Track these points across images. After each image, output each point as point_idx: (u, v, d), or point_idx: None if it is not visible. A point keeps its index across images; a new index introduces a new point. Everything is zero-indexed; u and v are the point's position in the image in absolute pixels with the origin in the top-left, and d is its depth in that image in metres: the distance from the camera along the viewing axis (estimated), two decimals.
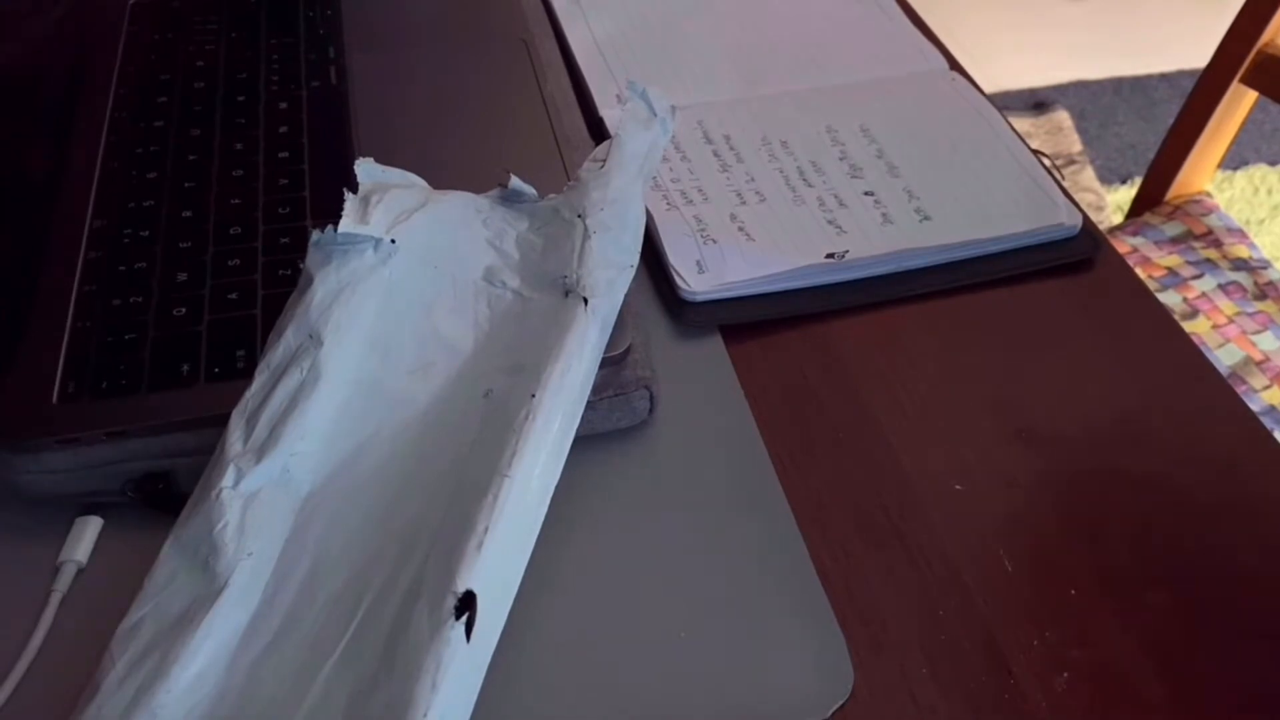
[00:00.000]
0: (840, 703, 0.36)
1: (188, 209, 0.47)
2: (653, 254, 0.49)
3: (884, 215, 0.51)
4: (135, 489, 0.39)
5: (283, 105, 0.53)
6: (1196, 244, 1.00)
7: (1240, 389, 0.87)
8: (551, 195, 0.43)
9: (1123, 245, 1.01)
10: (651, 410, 0.43)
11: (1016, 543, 0.40)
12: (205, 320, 0.42)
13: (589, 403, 0.38)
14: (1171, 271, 0.97)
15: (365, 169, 0.41)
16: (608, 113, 0.57)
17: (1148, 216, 1.06)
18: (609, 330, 0.39)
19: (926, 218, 0.51)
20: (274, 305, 0.41)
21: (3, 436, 0.38)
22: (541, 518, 0.35)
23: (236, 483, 0.34)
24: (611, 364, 0.41)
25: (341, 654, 0.32)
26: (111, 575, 0.37)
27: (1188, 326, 0.91)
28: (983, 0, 2.05)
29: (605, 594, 0.38)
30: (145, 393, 0.40)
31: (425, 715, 0.29)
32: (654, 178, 0.50)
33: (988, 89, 0.60)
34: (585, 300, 0.38)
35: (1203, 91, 1.01)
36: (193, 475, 0.36)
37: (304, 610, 0.33)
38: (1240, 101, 1.00)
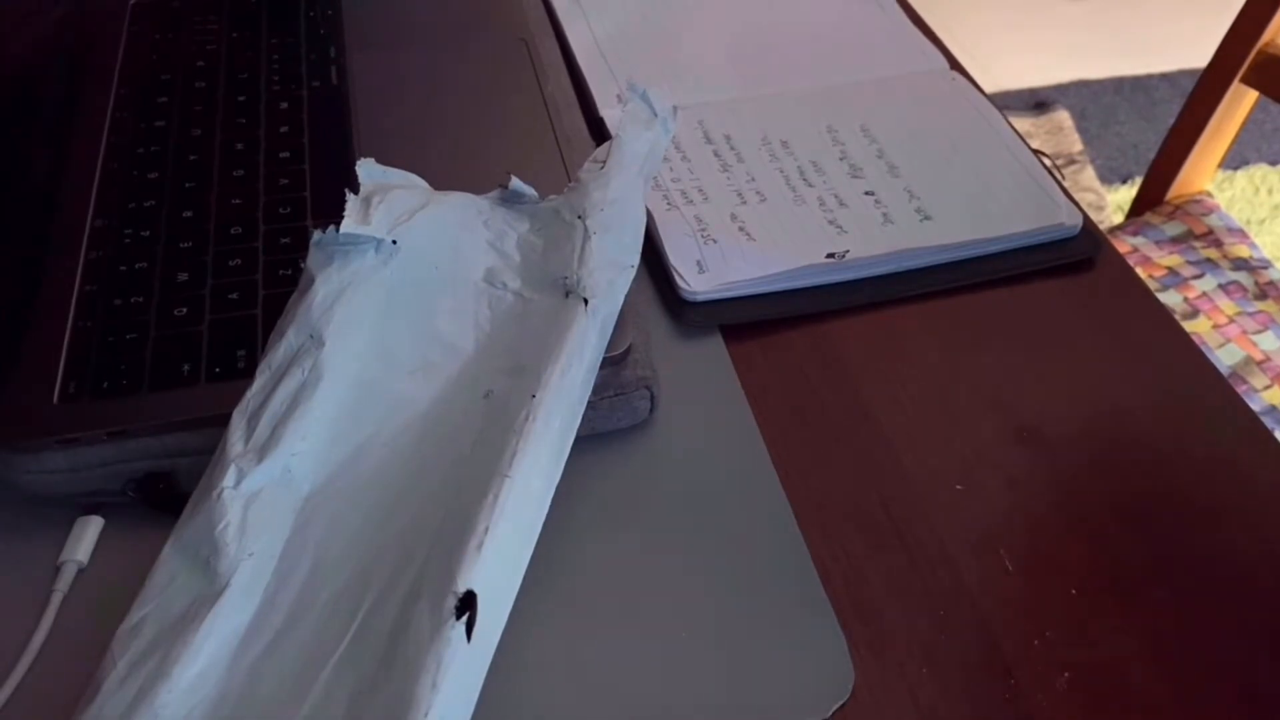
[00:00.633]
0: (840, 702, 0.36)
1: (188, 209, 0.47)
2: (653, 254, 0.49)
3: (884, 215, 0.51)
4: (136, 489, 0.39)
5: (283, 105, 0.53)
6: (1197, 244, 1.00)
7: (1241, 389, 0.87)
8: (552, 196, 0.43)
9: (1123, 245, 1.01)
10: (652, 410, 0.43)
11: (1017, 542, 0.40)
12: (206, 320, 0.42)
13: (590, 402, 0.38)
14: (1172, 271, 0.97)
15: (366, 169, 0.41)
16: (608, 112, 0.57)
17: (1148, 216, 1.06)
18: (609, 330, 0.39)
19: (927, 217, 0.51)
20: (275, 305, 0.41)
21: (3, 436, 0.38)
22: (542, 518, 0.35)
23: (238, 483, 0.34)
24: (612, 364, 0.41)
25: (342, 654, 0.32)
26: (112, 575, 0.37)
27: (1188, 326, 0.91)
28: (983, 0, 2.05)
29: (606, 594, 0.38)
30: (146, 393, 0.40)
31: (426, 715, 0.29)
32: (654, 178, 0.50)
33: (988, 89, 0.60)
34: (585, 301, 0.38)
35: (1203, 91, 1.01)
36: (194, 475, 0.36)
37: (305, 610, 0.33)
38: (1241, 101, 1.00)
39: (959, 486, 0.42)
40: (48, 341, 0.41)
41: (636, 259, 0.41)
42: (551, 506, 0.36)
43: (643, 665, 0.36)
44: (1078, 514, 0.41)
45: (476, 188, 0.44)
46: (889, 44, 0.64)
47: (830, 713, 0.35)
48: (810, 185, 0.53)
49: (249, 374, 0.37)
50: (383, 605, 0.32)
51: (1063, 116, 1.82)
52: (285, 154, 0.50)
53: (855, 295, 0.49)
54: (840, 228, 0.51)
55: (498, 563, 0.32)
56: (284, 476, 0.35)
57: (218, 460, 0.35)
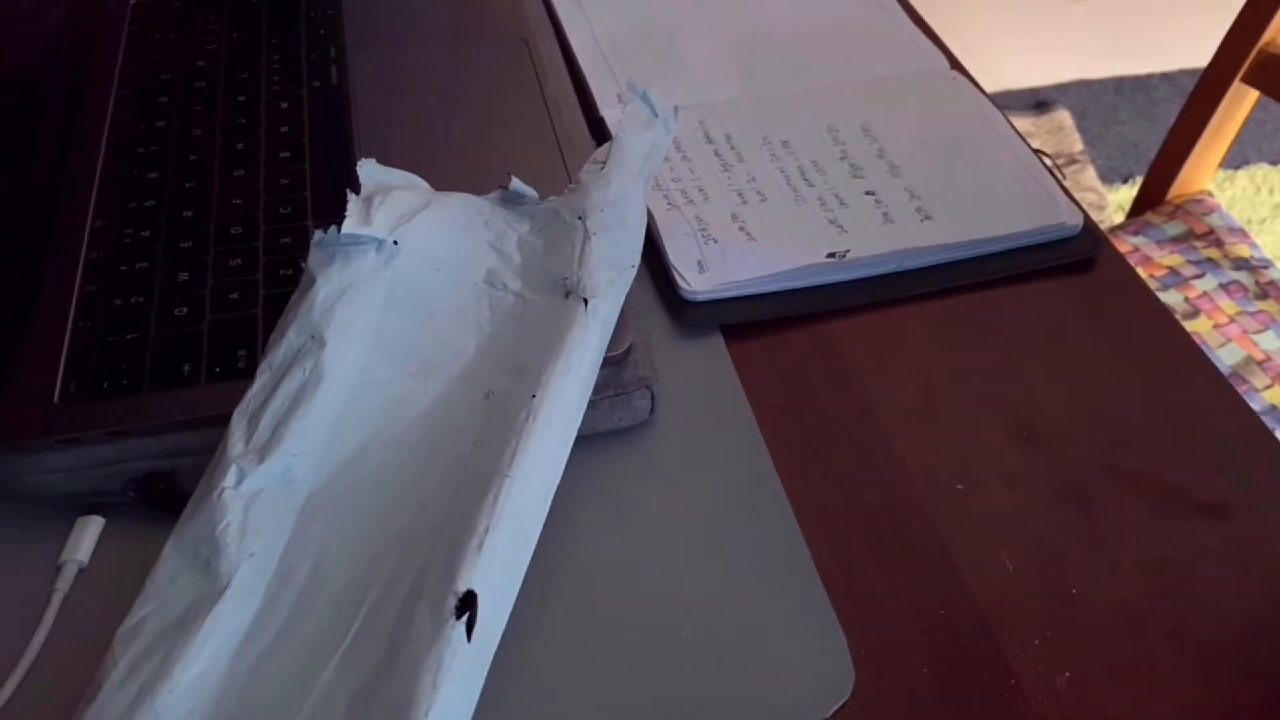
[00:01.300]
0: (841, 702, 0.36)
1: (189, 209, 0.47)
2: (654, 254, 0.49)
3: (885, 215, 0.51)
4: (136, 489, 0.39)
5: (284, 105, 0.53)
6: (1198, 243, 1.00)
7: (1241, 388, 0.87)
8: (552, 197, 0.43)
9: (1124, 245, 1.01)
10: (653, 410, 0.43)
11: (1017, 542, 0.40)
12: (206, 320, 0.42)
13: (590, 402, 0.38)
14: (1173, 271, 0.97)
15: (368, 170, 0.41)
16: (609, 112, 0.57)
17: (1149, 216, 1.05)
18: (610, 330, 0.39)
19: (928, 217, 0.51)
20: (275, 305, 0.41)
21: (4, 436, 0.38)
22: (543, 518, 0.35)
23: (238, 483, 0.34)
24: (613, 364, 0.41)
25: (343, 654, 0.32)
26: (113, 575, 0.38)
27: (1189, 326, 0.91)
28: (984, 0, 2.05)
29: (607, 594, 0.38)
30: (146, 393, 0.40)
31: (426, 715, 0.29)
32: (655, 177, 0.50)
33: (989, 88, 0.60)
34: (585, 301, 0.38)
35: (1204, 91, 1.01)
36: (194, 475, 0.36)
37: (306, 610, 0.33)
38: (1241, 101, 1.00)
39: (959, 486, 0.42)
40: (48, 342, 0.41)
41: (637, 259, 0.41)
42: (552, 506, 0.36)
43: (643, 665, 0.36)
44: (1078, 513, 0.41)
45: (477, 188, 0.44)
46: (890, 44, 0.64)
47: (830, 713, 0.35)
48: (811, 185, 0.53)
49: (249, 374, 0.37)
50: (383, 605, 0.32)
51: (1063, 116, 1.82)
52: (285, 154, 0.50)
53: (856, 295, 0.49)
54: (841, 227, 0.51)
55: (498, 562, 0.32)
56: (285, 477, 0.35)
57: (218, 460, 0.35)
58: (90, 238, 0.46)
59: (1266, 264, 0.98)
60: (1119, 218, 1.61)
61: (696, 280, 0.48)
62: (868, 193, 0.53)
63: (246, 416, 0.36)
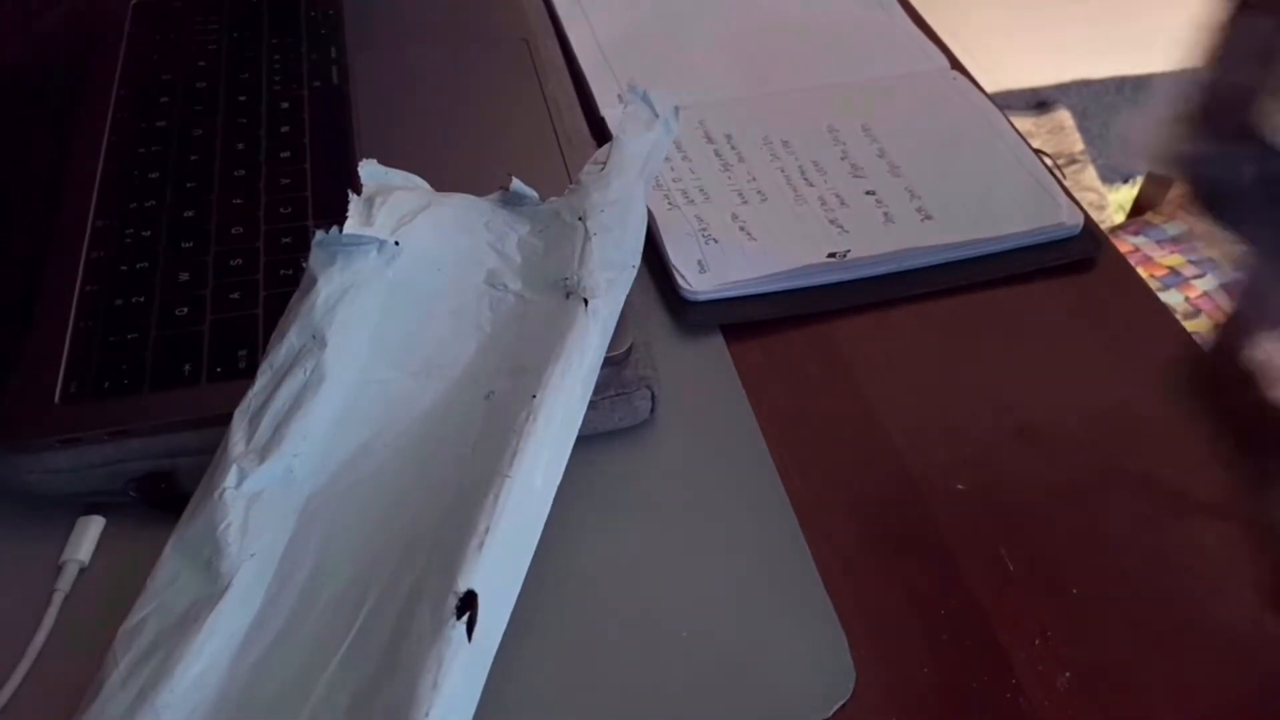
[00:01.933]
0: (841, 702, 0.36)
1: (190, 209, 0.47)
2: (654, 253, 0.49)
3: (885, 215, 0.51)
4: (137, 489, 0.39)
5: (284, 105, 0.53)
6: (1198, 243, 1.00)
7: None
8: (552, 198, 0.43)
9: (1124, 245, 1.01)
10: (653, 410, 0.43)
11: (1018, 542, 0.40)
12: (207, 320, 0.42)
13: (591, 402, 0.38)
14: (1173, 271, 0.97)
15: (369, 170, 0.41)
16: (609, 112, 0.57)
17: (1149, 216, 1.06)
18: (610, 331, 0.39)
19: (928, 217, 0.51)
20: (276, 305, 0.41)
21: (5, 436, 0.38)
22: (544, 518, 0.35)
23: (239, 483, 0.34)
24: (613, 364, 0.41)
25: (344, 654, 0.32)
26: (114, 575, 0.38)
27: (1190, 326, 0.91)
28: (984, 0, 2.05)
29: (607, 594, 0.38)
30: (147, 392, 0.40)
31: (427, 715, 0.29)
32: (655, 177, 0.50)
33: (989, 88, 0.60)
34: (585, 301, 0.38)
35: None
36: (195, 475, 0.36)
37: (307, 611, 0.33)
38: None
39: (959, 486, 0.42)
40: (49, 341, 0.41)
41: (637, 260, 0.41)
42: (553, 506, 0.36)
43: (643, 665, 0.36)
44: (1079, 513, 0.41)
45: (477, 188, 0.44)
46: (890, 44, 0.64)
47: (830, 713, 0.35)
48: (811, 185, 0.53)
49: (250, 374, 0.37)
50: (384, 605, 0.32)
51: (1064, 116, 1.82)
52: (286, 154, 0.50)
53: (856, 295, 0.49)
54: (841, 227, 0.51)
55: (498, 562, 0.32)
56: (286, 477, 0.35)
57: (219, 460, 0.35)
58: (91, 238, 0.46)
59: None
60: (1119, 218, 1.61)
61: (697, 280, 0.48)
62: (868, 192, 0.53)
63: (248, 416, 0.36)
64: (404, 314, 0.39)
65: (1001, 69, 1.89)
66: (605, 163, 0.42)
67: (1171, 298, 0.94)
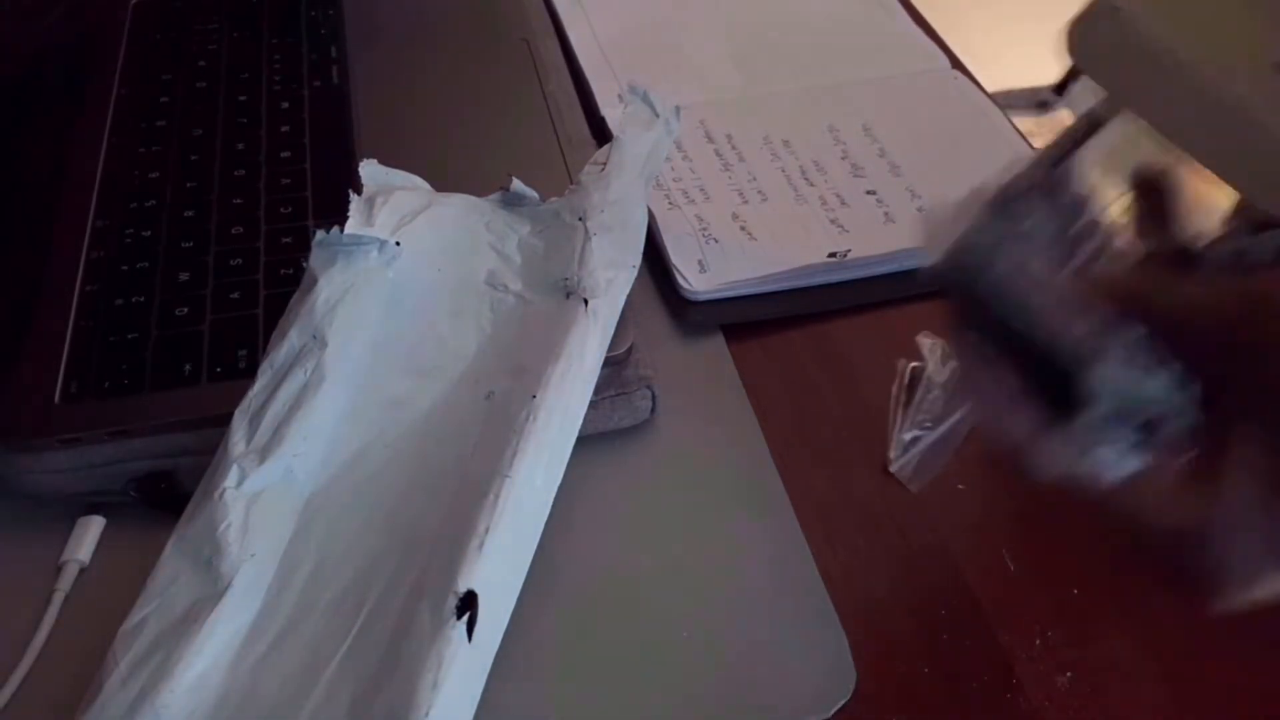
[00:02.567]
0: (842, 702, 0.36)
1: (190, 208, 0.47)
2: (655, 253, 0.49)
3: (886, 214, 0.51)
4: (137, 489, 0.39)
5: (285, 105, 0.53)
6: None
7: None
8: (553, 198, 0.43)
9: None
10: (653, 410, 0.43)
11: (1019, 542, 0.40)
12: (207, 320, 0.42)
13: (591, 402, 0.38)
14: None
15: (370, 170, 0.41)
16: (610, 112, 0.57)
17: None
18: (610, 331, 0.39)
19: None
20: (276, 305, 0.41)
21: (5, 436, 0.38)
22: (544, 518, 0.35)
23: (240, 483, 0.34)
24: (614, 364, 0.41)
25: (344, 654, 0.32)
26: (114, 575, 0.37)
27: None
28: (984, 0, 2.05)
29: (608, 594, 0.38)
30: (147, 392, 0.40)
31: (427, 715, 0.29)
32: (655, 177, 0.50)
33: (990, 88, 0.60)
34: (586, 301, 0.38)
35: None
36: (195, 475, 0.36)
37: (307, 611, 0.33)
38: None
39: (960, 486, 0.42)
40: (49, 341, 0.41)
41: (638, 260, 0.41)
42: (553, 506, 0.36)
43: (643, 665, 0.36)
44: (1079, 513, 0.41)
45: (478, 188, 0.44)
46: (891, 43, 0.64)
47: (831, 713, 0.35)
48: (812, 184, 0.53)
49: (250, 374, 0.37)
50: (384, 605, 0.32)
51: (1065, 116, 1.82)
52: (286, 153, 0.50)
53: (857, 295, 0.49)
54: (842, 227, 0.51)
55: (499, 562, 0.32)
56: (286, 477, 0.35)
57: (220, 460, 0.35)
58: (91, 237, 0.46)
59: None
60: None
61: (697, 280, 0.48)
62: (869, 192, 0.53)
63: (248, 416, 0.36)
64: (404, 314, 0.39)
65: (1002, 69, 1.89)
66: (605, 163, 0.42)
67: None
